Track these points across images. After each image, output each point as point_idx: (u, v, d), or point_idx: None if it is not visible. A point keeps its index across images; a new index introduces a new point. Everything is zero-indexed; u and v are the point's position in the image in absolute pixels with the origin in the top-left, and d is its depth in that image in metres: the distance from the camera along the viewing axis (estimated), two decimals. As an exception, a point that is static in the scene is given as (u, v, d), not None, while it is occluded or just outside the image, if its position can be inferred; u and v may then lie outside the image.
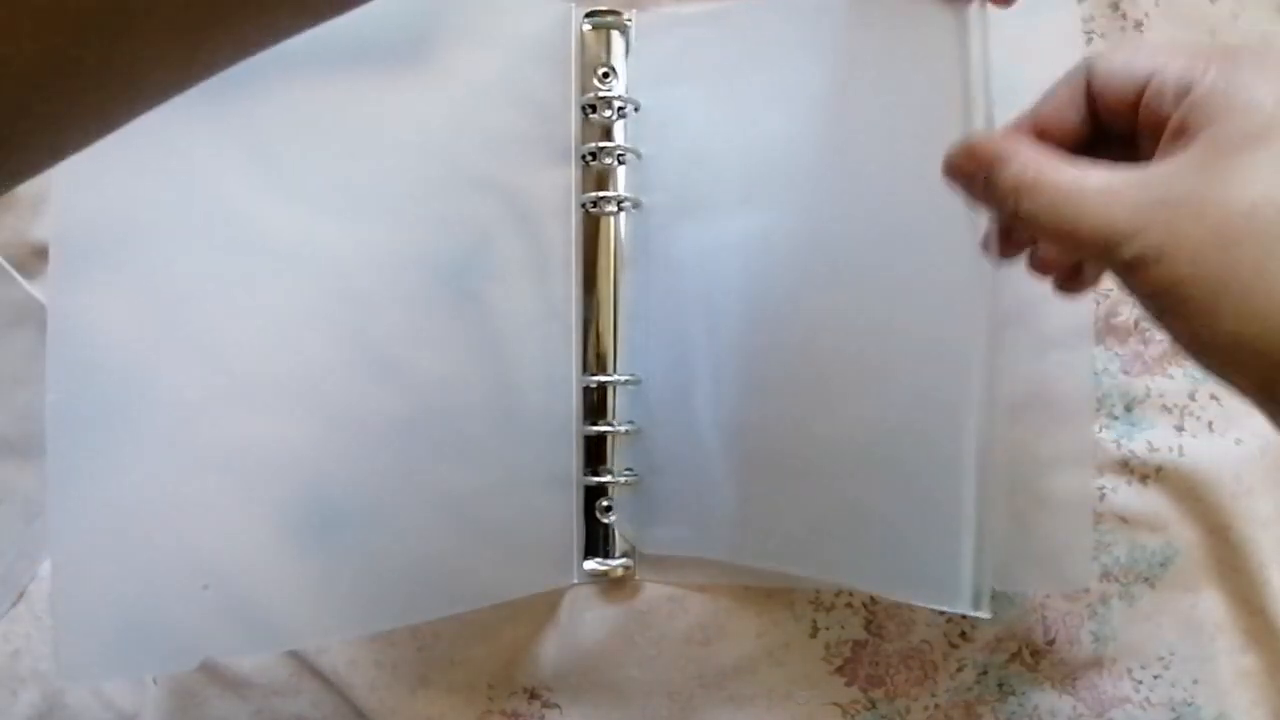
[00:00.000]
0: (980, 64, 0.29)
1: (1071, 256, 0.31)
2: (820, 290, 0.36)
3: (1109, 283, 0.40)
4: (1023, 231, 0.29)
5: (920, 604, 0.32)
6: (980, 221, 0.29)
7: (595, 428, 0.40)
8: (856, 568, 0.35)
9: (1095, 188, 0.25)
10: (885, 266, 0.33)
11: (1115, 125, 0.27)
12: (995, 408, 0.30)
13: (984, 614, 0.30)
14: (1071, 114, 0.28)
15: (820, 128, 0.35)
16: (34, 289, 0.42)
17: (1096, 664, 0.40)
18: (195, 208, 0.36)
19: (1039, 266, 0.32)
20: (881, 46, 0.32)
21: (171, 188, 0.36)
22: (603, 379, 0.40)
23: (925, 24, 0.30)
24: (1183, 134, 0.24)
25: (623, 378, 0.40)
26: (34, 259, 0.42)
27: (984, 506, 0.30)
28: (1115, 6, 0.41)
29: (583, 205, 0.41)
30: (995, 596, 0.39)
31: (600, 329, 0.41)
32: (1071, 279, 0.32)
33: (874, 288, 0.34)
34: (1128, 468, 0.40)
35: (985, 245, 0.29)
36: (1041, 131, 0.28)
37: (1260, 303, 0.23)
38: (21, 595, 0.42)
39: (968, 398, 0.30)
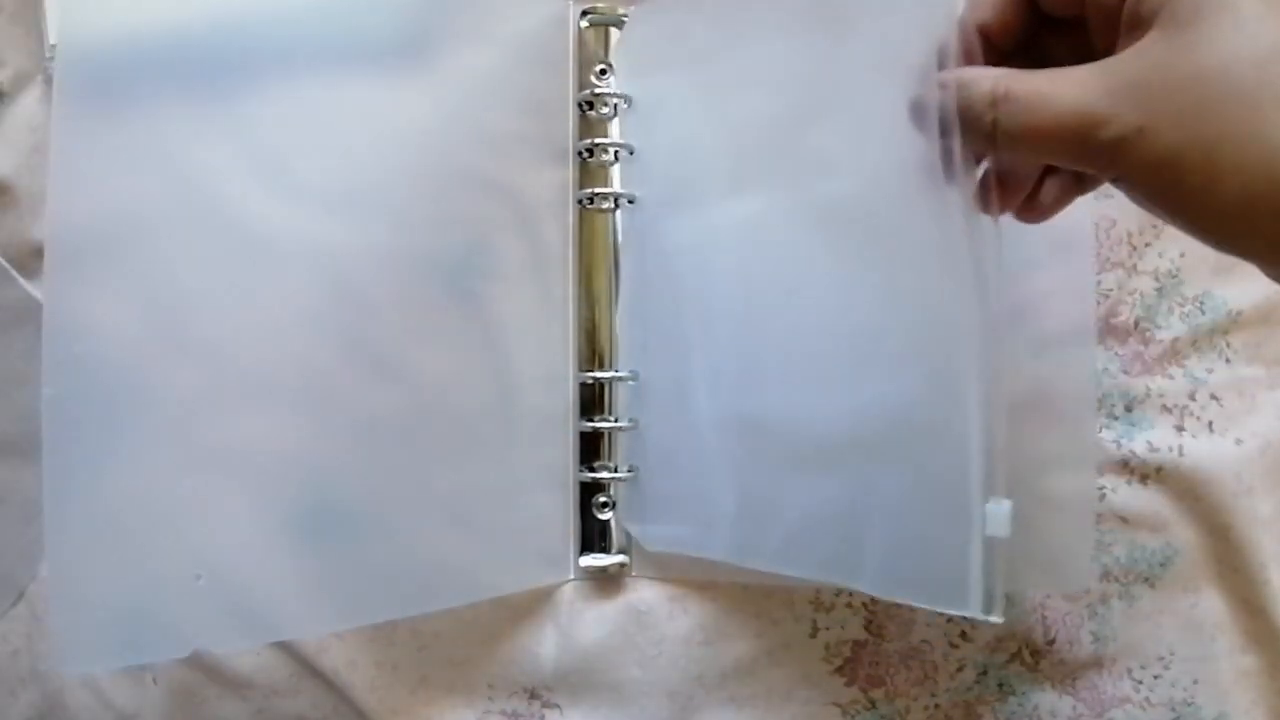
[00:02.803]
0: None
1: (1051, 158, 0.29)
2: (810, 276, 0.35)
3: (1109, 283, 0.40)
4: (1000, 149, 0.28)
5: (926, 607, 0.31)
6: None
7: (591, 423, 0.40)
8: (856, 568, 0.34)
9: (1066, 83, 0.25)
10: (874, 244, 0.33)
11: (1064, 16, 0.28)
12: (1000, 394, 0.29)
13: (996, 618, 0.28)
14: (1009, 10, 0.28)
15: (801, 104, 0.35)
16: (33, 289, 0.42)
17: (1096, 664, 0.40)
18: (193, 206, 0.36)
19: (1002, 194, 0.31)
20: (856, 14, 0.32)
21: (169, 186, 0.36)
22: (599, 375, 0.40)
23: None
24: (1138, 23, 0.25)
25: (620, 373, 0.40)
26: (34, 259, 0.42)
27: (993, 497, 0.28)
28: None
29: (579, 202, 0.41)
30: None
31: (597, 325, 0.41)
32: (1031, 201, 0.31)
33: (864, 267, 0.33)
34: (1128, 468, 0.40)
35: (981, 198, 0.29)
36: (981, 31, 0.29)
37: (1260, 155, 0.22)
38: (21, 595, 0.42)
39: (969, 381, 0.29)
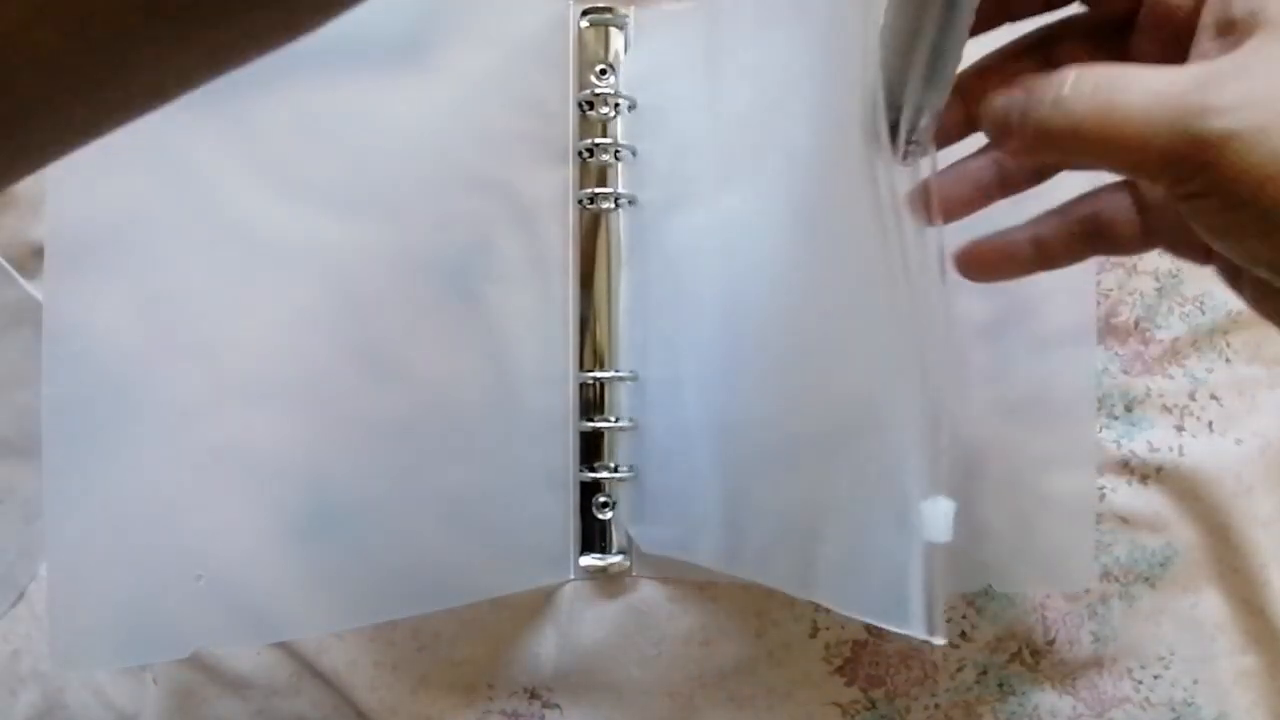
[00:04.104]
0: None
1: (1120, 159, 0.23)
2: (779, 271, 0.35)
3: (1109, 283, 0.40)
4: (1056, 146, 0.23)
5: (877, 624, 0.28)
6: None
7: (591, 423, 0.40)
8: (819, 581, 0.33)
9: (1152, 71, 0.21)
10: (825, 237, 0.31)
11: (1109, 16, 0.26)
12: (941, 393, 0.26)
13: (939, 640, 0.25)
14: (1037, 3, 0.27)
15: (770, 95, 0.35)
16: (33, 289, 0.42)
17: (1096, 664, 0.40)
18: (193, 206, 0.36)
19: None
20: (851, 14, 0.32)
21: (169, 186, 0.36)
22: (599, 375, 0.40)
23: None
24: (1234, 28, 0.22)
25: (620, 374, 0.40)
26: (34, 259, 0.42)
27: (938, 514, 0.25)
28: None
29: (580, 202, 0.41)
30: (995, 597, 0.40)
31: (598, 325, 0.41)
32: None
33: (817, 262, 0.32)
34: (1128, 468, 0.40)
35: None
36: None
37: None
38: (21, 595, 0.42)
39: (906, 378, 0.26)
